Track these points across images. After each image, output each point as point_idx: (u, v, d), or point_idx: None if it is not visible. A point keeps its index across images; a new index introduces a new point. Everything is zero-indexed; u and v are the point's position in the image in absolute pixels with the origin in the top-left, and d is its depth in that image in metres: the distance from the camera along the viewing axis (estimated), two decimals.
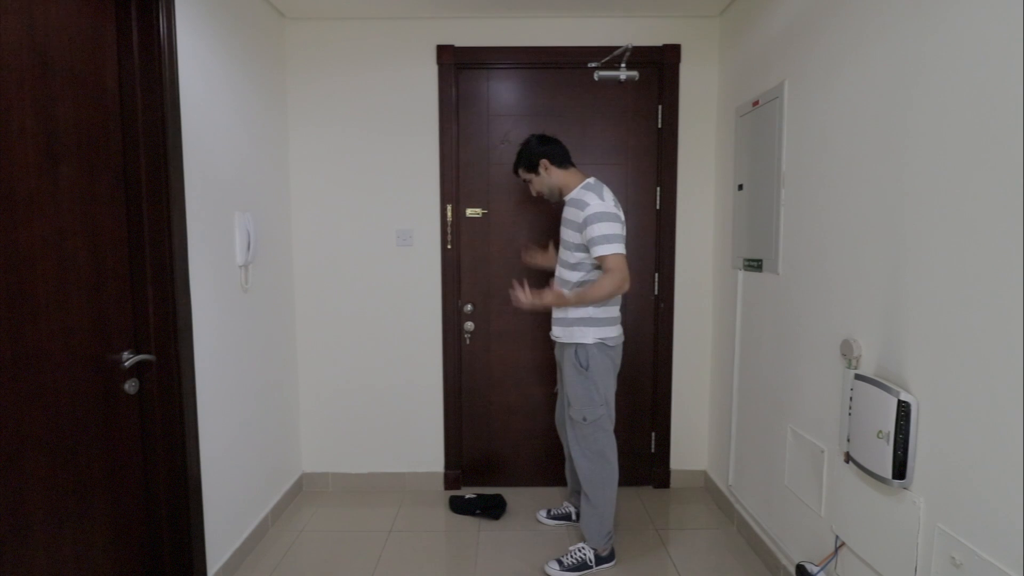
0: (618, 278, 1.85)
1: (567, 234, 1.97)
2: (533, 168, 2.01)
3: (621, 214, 1.93)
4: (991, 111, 1.10)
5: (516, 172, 2.09)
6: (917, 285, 1.29)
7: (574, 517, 2.34)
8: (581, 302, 1.93)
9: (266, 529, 2.28)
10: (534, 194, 2.07)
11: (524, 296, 1.94)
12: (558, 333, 2.02)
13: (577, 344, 1.95)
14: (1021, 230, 1.03)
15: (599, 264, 1.89)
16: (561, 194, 2.02)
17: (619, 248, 1.85)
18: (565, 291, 1.96)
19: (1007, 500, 1.07)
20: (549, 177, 2.00)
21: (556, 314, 2.02)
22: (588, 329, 1.94)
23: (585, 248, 1.91)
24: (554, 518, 2.37)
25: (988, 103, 1.11)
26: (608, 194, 1.92)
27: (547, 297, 1.95)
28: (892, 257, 1.37)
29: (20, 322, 1.24)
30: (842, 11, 1.57)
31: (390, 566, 2.07)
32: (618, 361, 2.03)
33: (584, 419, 1.96)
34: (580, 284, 1.95)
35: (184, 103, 1.71)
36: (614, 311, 1.99)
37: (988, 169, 1.11)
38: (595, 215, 1.85)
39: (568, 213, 1.97)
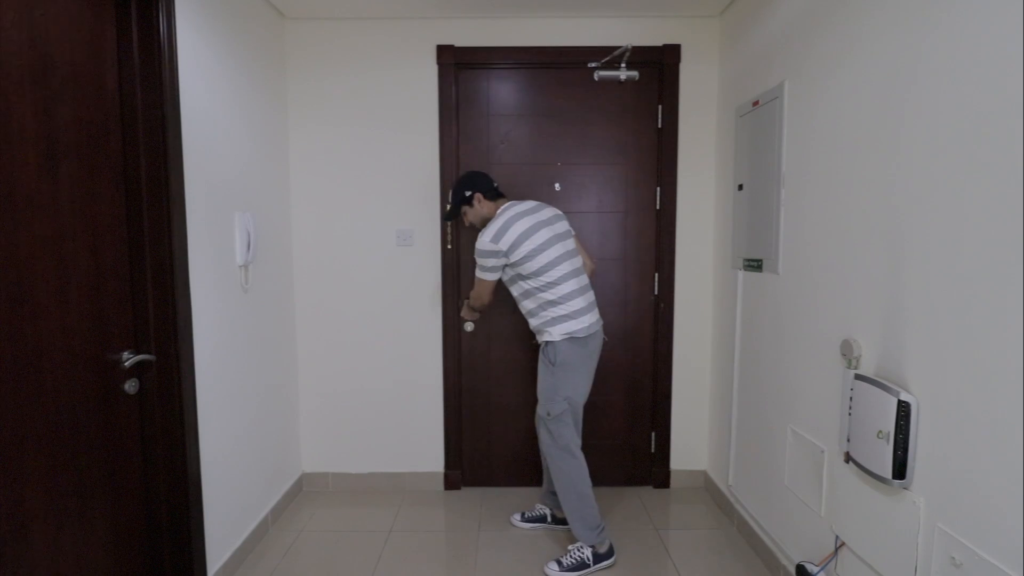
0: (474, 295, 2.17)
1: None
2: (468, 202, 2.15)
3: (503, 245, 2.00)
4: (988, 111, 1.10)
5: (452, 217, 2.24)
6: (917, 285, 1.29)
7: (550, 519, 2.33)
8: (472, 306, 2.23)
9: (266, 529, 2.28)
10: (467, 223, 2.21)
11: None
12: (541, 338, 2.12)
13: (546, 342, 2.06)
14: (1020, 230, 1.04)
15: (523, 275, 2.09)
16: (483, 224, 2.15)
17: (485, 276, 2.10)
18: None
19: (1007, 500, 1.07)
20: (482, 209, 2.13)
21: (530, 324, 2.14)
22: (554, 328, 2.02)
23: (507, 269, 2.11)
24: (529, 520, 2.35)
25: (986, 103, 1.11)
26: (496, 226, 2.01)
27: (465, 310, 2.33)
28: (892, 257, 1.37)
29: (21, 322, 1.24)
30: (840, 12, 1.57)
31: (390, 566, 2.07)
32: (595, 350, 2.09)
33: (548, 414, 2.04)
34: (527, 297, 2.08)
35: (184, 103, 1.71)
36: (577, 303, 2.03)
37: (986, 169, 1.11)
38: (477, 252, 2.07)
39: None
